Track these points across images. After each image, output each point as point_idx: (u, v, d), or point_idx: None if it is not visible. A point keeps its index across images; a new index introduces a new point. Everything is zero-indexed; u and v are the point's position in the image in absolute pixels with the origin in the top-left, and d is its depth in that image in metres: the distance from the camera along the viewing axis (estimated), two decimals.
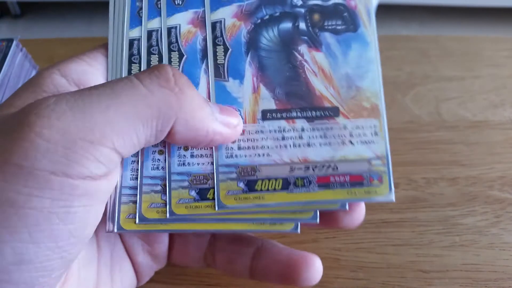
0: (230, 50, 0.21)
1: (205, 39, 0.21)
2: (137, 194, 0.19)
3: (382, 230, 0.27)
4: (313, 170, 0.20)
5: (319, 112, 0.20)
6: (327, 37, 0.21)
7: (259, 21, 0.21)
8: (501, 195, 0.29)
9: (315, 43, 0.21)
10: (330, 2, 0.21)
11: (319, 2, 0.21)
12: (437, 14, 1.48)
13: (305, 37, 0.21)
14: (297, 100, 0.20)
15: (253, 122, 0.20)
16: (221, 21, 0.21)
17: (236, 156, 0.20)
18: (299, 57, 0.21)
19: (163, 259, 0.22)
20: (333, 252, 0.26)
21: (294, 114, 0.20)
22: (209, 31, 0.21)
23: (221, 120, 0.19)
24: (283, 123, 0.20)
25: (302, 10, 0.21)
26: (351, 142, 0.20)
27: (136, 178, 0.20)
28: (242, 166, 0.20)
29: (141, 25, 0.21)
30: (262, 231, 0.20)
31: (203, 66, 0.21)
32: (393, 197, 0.20)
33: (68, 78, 0.19)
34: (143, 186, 0.20)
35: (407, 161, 0.31)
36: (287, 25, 0.21)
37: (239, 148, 0.20)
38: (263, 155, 0.20)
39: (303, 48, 0.21)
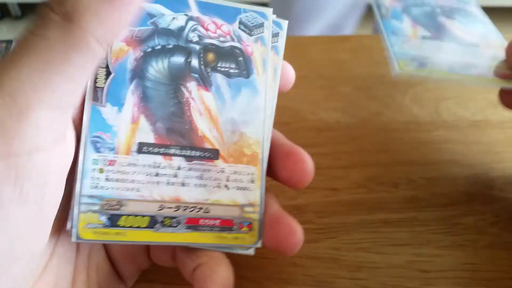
0: (112, 74, 0.19)
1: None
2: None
3: (382, 230, 0.27)
4: (183, 210, 0.20)
5: (198, 152, 0.20)
6: (219, 78, 0.21)
7: (150, 49, 0.20)
8: (501, 195, 0.29)
9: (205, 83, 0.20)
10: (227, 44, 0.21)
11: (216, 42, 0.21)
12: None
13: (196, 75, 0.20)
14: (178, 137, 0.20)
15: (126, 154, 0.19)
16: None
17: (102, 187, 0.19)
18: (187, 94, 0.20)
19: (144, 260, 0.21)
20: (332, 252, 0.26)
21: (172, 151, 0.20)
22: None
23: None
24: (159, 158, 0.19)
25: (197, 47, 0.20)
26: (226, 187, 0.20)
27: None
28: (107, 199, 0.19)
29: None
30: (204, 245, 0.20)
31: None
32: (259, 245, 0.20)
33: None
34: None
35: (406, 161, 0.31)
36: (179, 59, 0.20)
37: (106, 179, 0.19)
38: (132, 189, 0.19)
39: (192, 85, 0.20)
